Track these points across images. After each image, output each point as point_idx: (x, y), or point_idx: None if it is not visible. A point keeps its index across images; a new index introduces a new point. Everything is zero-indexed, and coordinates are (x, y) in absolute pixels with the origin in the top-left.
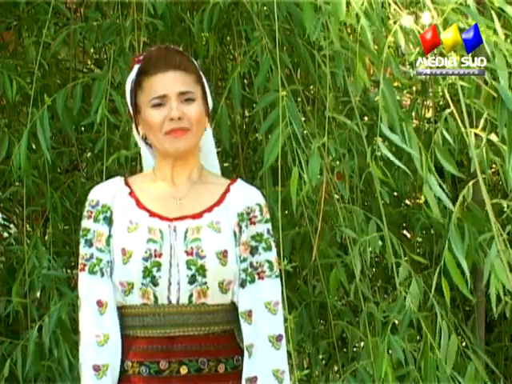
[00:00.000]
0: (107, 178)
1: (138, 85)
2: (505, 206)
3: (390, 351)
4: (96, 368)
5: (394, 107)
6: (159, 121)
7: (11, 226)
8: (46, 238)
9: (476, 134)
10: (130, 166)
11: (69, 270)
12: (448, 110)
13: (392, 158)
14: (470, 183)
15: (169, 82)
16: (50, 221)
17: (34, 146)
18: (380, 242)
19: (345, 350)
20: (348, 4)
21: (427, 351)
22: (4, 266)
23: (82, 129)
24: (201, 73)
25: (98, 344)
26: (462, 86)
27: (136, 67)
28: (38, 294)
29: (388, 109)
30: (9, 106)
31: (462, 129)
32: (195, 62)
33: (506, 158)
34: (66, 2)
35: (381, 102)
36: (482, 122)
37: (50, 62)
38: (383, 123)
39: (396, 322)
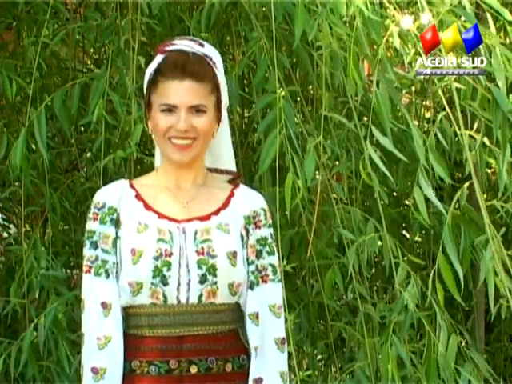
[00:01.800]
0: (105, 179)
1: (153, 83)
2: (499, 207)
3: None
4: (94, 371)
5: (387, 109)
6: (165, 127)
7: (11, 226)
8: (46, 238)
9: (472, 136)
10: (129, 166)
11: (68, 270)
12: (443, 113)
13: (380, 164)
14: (465, 185)
15: (182, 92)
16: (49, 221)
17: (33, 146)
18: (379, 243)
19: (344, 350)
20: (346, 5)
21: (430, 351)
22: (3, 266)
23: (82, 129)
24: (219, 77)
25: (99, 347)
26: (457, 88)
27: (158, 58)
28: (37, 295)
29: (381, 110)
30: (8, 106)
31: (457, 131)
32: (214, 66)
33: (499, 160)
34: (65, 2)
35: (374, 103)
36: (476, 123)
37: (50, 62)
38: (375, 125)
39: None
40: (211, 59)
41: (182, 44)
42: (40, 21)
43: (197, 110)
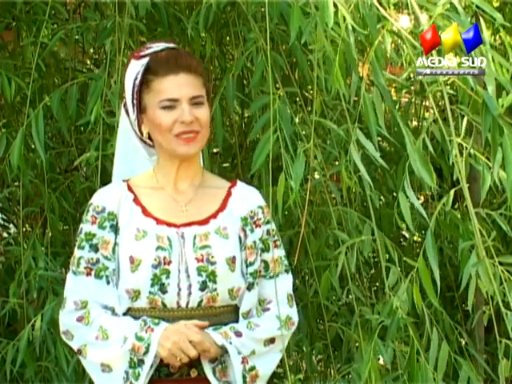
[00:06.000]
0: (104, 179)
1: (144, 84)
2: (485, 215)
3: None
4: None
5: (374, 113)
6: (170, 123)
7: (10, 226)
8: (45, 238)
9: (461, 144)
10: None
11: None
12: (432, 117)
13: (362, 168)
14: (451, 191)
15: (180, 84)
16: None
17: (33, 146)
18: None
19: (342, 351)
20: (336, 6)
21: (413, 356)
22: (3, 266)
23: (82, 129)
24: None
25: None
26: (449, 93)
27: (137, 63)
28: (35, 295)
29: (368, 114)
30: (7, 106)
31: (446, 137)
32: (203, 65)
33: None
34: (64, 3)
35: (361, 107)
36: (464, 127)
37: (50, 62)
38: (359, 130)
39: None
40: (199, 60)
41: (161, 45)
42: (39, 21)
43: (196, 102)
